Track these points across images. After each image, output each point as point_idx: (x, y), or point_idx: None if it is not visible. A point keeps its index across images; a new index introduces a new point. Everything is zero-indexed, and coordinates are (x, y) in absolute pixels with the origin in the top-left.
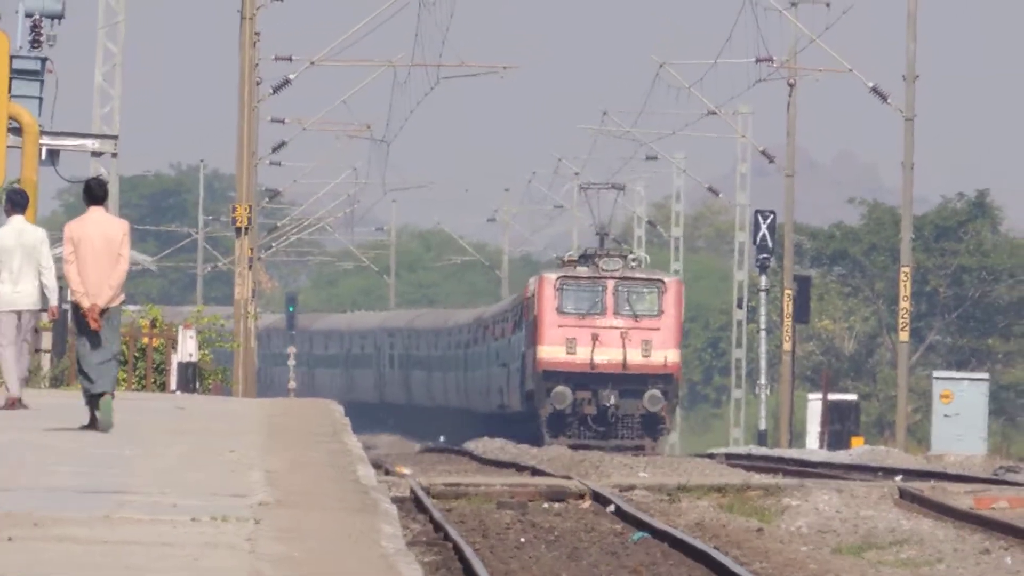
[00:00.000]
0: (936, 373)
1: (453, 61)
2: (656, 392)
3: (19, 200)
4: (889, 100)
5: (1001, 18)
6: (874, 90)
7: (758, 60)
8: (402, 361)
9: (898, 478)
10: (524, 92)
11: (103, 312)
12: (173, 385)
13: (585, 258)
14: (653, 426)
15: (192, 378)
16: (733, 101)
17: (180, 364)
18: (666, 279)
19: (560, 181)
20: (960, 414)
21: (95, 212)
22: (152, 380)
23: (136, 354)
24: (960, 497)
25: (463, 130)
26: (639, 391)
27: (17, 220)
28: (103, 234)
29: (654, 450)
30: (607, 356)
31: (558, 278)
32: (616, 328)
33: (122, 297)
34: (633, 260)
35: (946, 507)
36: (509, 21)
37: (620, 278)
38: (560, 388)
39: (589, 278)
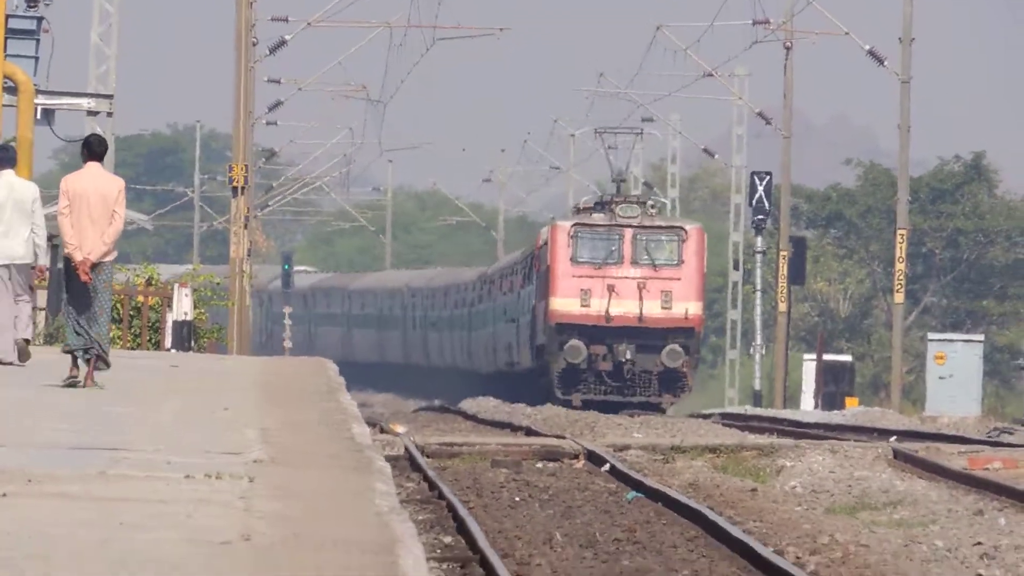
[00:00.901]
0: (931, 335)
1: (449, 23)
2: (676, 347)
3: (8, 156)
4: (885, 63)
5: None
6: (870, 53)
7: (755, 23)
8: (407, 321)
9: (892, 439)
10: (520, 54)
11: (94, 267)
12: (168, 343)
13: (601, 205)
14: (672, 383)
15: (187, 336)
16: (730, 63)
17: (175, 323)
18: (687, 226)
19: (556, 142)
20: (954, 375)
21: (92, 167)
22: (147, 338)
23: (131, 312)
24: (954, 458)
25: (459, 91)
26: (658, 346)
27: (7, 174)
28: (98, 190)
29: (672, 407)
30: (624, 308)
31: (572, 225)
32: (634, 278)
33: (115, 253)
34: (652, 207)
35: (940, 468)
36: None
37: (638, 226)
38: (574, 342)
39: (605, 226)
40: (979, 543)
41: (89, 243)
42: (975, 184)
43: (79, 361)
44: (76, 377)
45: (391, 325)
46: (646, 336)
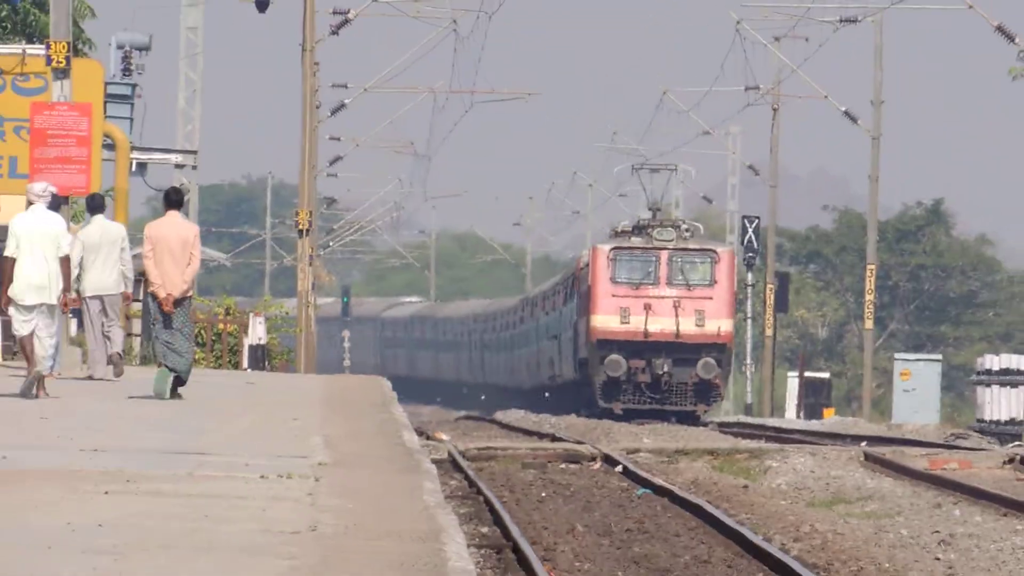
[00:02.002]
0: (897, 355)
1: (485, 87)
2: (710, 360)
3: (99, 203)
4: (859, 122)
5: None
6: (846, 114)
7: (747, 88)
8: (471, 344)
9: (863, 444)
10: (546, 114)
11: (177, 301)
12: (245, 364)
13: (638, 229)
14: (706, 393)
15: (261, 358)
16: (725, 123)
17: (251, 346)
18: (719, 249)
19: (576, 191)
20: (917, 389)
21: (172, 215)
22: (227, 360)
23: (213, 338)
24: (917, 460)
25: (493, 146)
26: (692, 359)
27: (99, 219)
28: (178, 235)
29: (707, 414)
30: (660, 325)
31: (611, 249)
32: (669, 298)
33: (193, 289)
34: (687, 231)
35: (904, 468)
36: (532, 53)
37: (673, 249)
38: (614, 356)
39: (642, 248)
40: (937, 531)
41: (171, 281)
42: (935, 226)
43: (162, 369)
44: (165, 372)
45: (461, 348)
46: (682, 351)
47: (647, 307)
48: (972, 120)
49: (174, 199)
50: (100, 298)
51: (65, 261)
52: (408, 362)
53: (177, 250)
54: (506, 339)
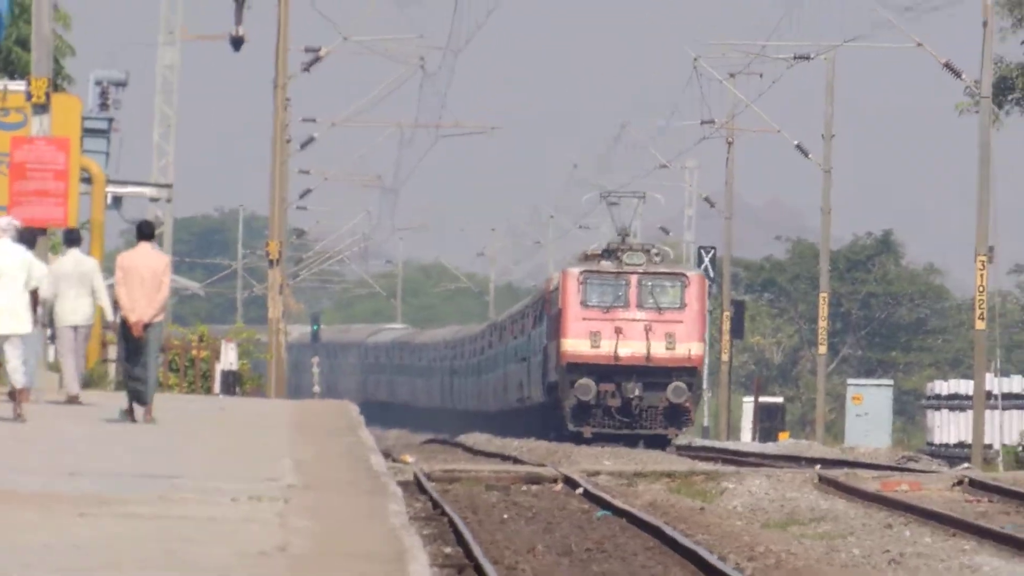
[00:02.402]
0: (849, 380)
1: (450, 122)
2: (680, 384)
3: (75, 237)
4: (810, 156)
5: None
6: (798, 147)
7: (702, 122)
8: (441, 370)
9: (817, 466)
10: (508, 148)
11: (146, 326)
12: (217, 389)
13: (608, 252)
14: (677, 417)
15: (233, 383)
16: (682, 156)
17: (223, 371)
18: (689, 273)
19: (537, 222)
20: (869, 413)
21: (143, 246)
22: (199, 385)
23: (186, 363)
24: (869, 482)
25: (458, 180)
26: (663, 383)
27: (74, 252)
28: (149, 265)
29: (677, 438)
30: (631, 349)
31: (581, 272)
32: (640, 321)
33: (162, 316)
34: (656, 255)
35: (857, 490)
36: (496, 89)
37: (643, 272)
38: (584, 380)
39: (613, 272)
40: (888, 551)
41: (141, 307)
42: (884, 256)
43: (133, 404)
44: (132, 416)
45: (429, 374)
46: (652, 374)
47: (617, 330)
48: (921, 154)
49: (146, 231)
50: (74, 328)
51: (35, 293)
52: (387, 387)
53: (148, 279)
54: (474, 364)
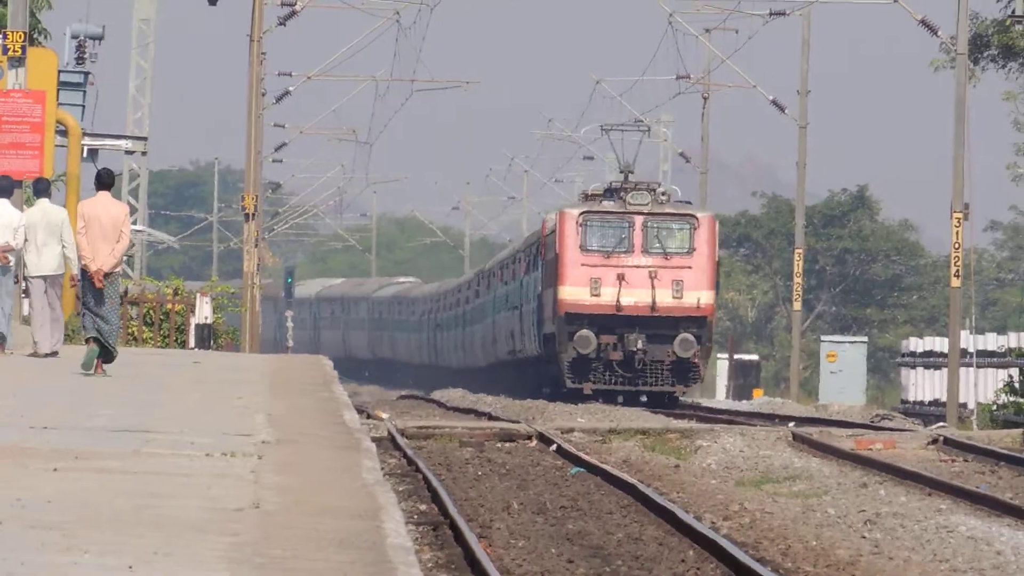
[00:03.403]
0: (823, 337)
1: (425, 76)
2: (688, 336)
3: (44, 187)
4: (786, 111)
5: (881, 45)
6: (774, 103)
7: (678, 77)
8: (423, 325)
9: (791, 424)
10: (483, 101)
11: (106, 275)
12: (191, 343)
13: (610, 192)
14: (684, 373)
15: (207, 337)
16: (657, 110)
17: (197, 325)
18: (699, 214)
19: (513, 176)
20: (843, 371)
21: (103, 195)
22: (174, 339)
23: (161, 317)
24: (843, 440)
25: (433, 133)
26: (669, 335)
27: (43, 202)
28: (109, 214)
29: (684, 396)
30: (634, 297)
31: (581, 213)
32: (644, 267)
33: (122, 265)
34: (663, 194)
35: (831, 448)
36: (470, 43)
37: (649, 213)
38: (584, 332)
39: (615, 213)
40: (863, 510)
41: (101, 257)
42: (860, 212)
43: (92, 347)
44: (94, 350)
45: (410, 328)
46: (657, 325)
47: (620, 277)
48: (895, 110)
49: (106, 180)
50: (43, 278)
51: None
52: (368, 343)
53: (108, 228)
54: (459, 315)
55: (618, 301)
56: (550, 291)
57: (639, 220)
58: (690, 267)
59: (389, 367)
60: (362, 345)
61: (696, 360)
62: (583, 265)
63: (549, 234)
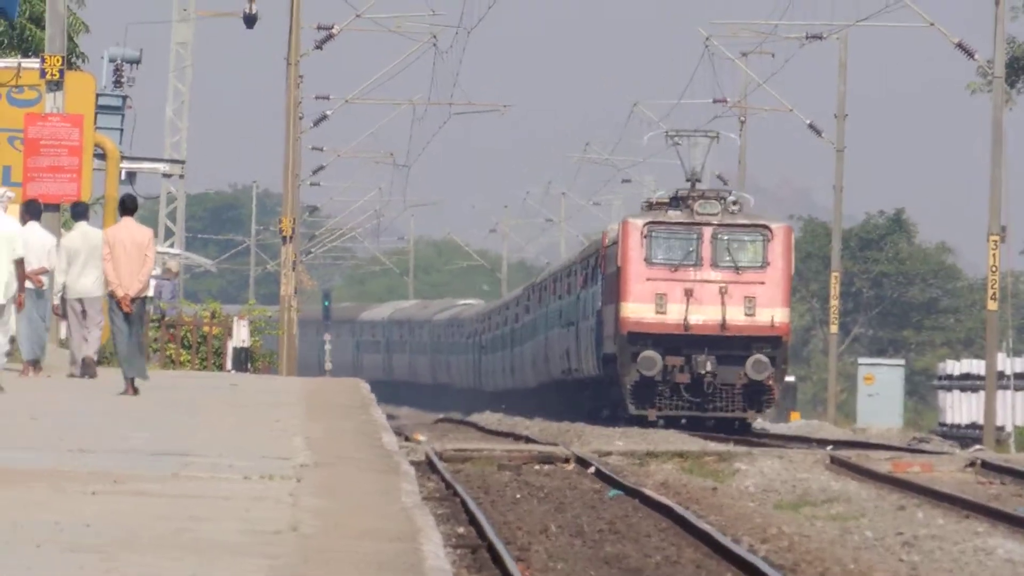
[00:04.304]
0: (860, 359)
1: (462, 100)
2: (761, 357)
3: (82, 210)
4: (823, 135)
5: (918, 68)
6: (811, 126)
7: (715, 101)
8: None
9: (829, 447)
10: (520, 125)
11: (133, 300)
12: (229, 366)
13: (677, 200)
14: (757, 397)
15: (245, 360)
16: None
17: (235, 348)
18: (773, 225)
19: (550, 200)
20: (880, 393)
21: (127, 221)
22: (212, 362)
23: (199, 340)
24: (880, 463)
25: (470, 156)
26: (741, 356)
27: (82, 225)
28: (133, 238)
29: (756, 422)
30: (703, 315)
31: (646, 224)
32: (714, 282)
33: (149, 289)
34: (734, 203)
35: (869, 471)
36: (508, 67)
37: (719, 224)
38: (648, 352)
39: (682, 224)
40: (901, 533)
41: (127, 281)
42: (896, 235)
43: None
44: (129, 392)
45: (452, 350)
46: (728, 346)
47: (687, 293)
48: (932, 133)
49: (129, 206)
50: (80, 300)
51: (20, 263)
52: (408, 367)
53: (133, 252)
54: (506, 334)
55: (685, 319)
56: (611, 307)
57: (708, 231)
58: (763, 282)
59: (432, 391)
60: (418, 368)
61: (770, 383)
62: (648, 280)
63: (610, 245)
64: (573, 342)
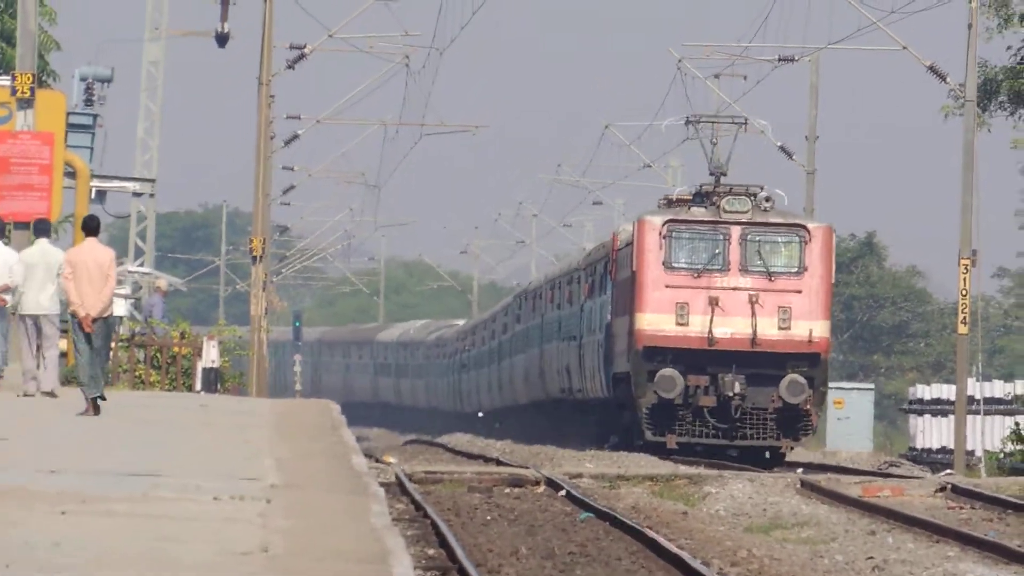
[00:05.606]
0: (831, 384)
1: (434, 120)
2: (798, 377)
3: (43, 228)
4: (794, 157)
5: (890, 92)
6: (782, 148)
7: (687, 122)
8: (407, 370)
9: (799, 470)
10: (491, 146)
11: (95, 320)
12: (198, 386)
13: (701, 197)
14: (792, 423)
15: (214, 381)
16: (665, 156)
17: (204, 369)
18: (811, 225)
19: (521, 221)
20: (851, 417)
21: (90, 241)
22: (181, 382)
23: (168, 360)
24: (851, 487)
25: (441, 177)
26: (774, 376)
27: (42, 242)
28: (95, 259)
29: (792, 450)
30: (731, 328)
31: (665, 223)
32: (743, 290)
33: (111, 309)
34: (766, 200)
35: (839, 495)
36: (479, 88)
37: (749, 223)
38: (667, 371)
39: (707, 222)
40: (871, 557)
41: (90, 301)
42: (867, 258)
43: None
44: (90, 412)
45: (429, 372)
46: (760, 364)
47: (713, 302)
48: (904, 156)
49: (91, 226)
50: (35, 317)
51: None
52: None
53: (95, 273)
54: (492, 349)
55: (710, 332)
56: (624, 319)
57: (736, 231)
58: (800, 291)
59: (407, 413)
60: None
61: (807, 408)
62: (667, 287)
63: (623, 248)
64: (575, 358)
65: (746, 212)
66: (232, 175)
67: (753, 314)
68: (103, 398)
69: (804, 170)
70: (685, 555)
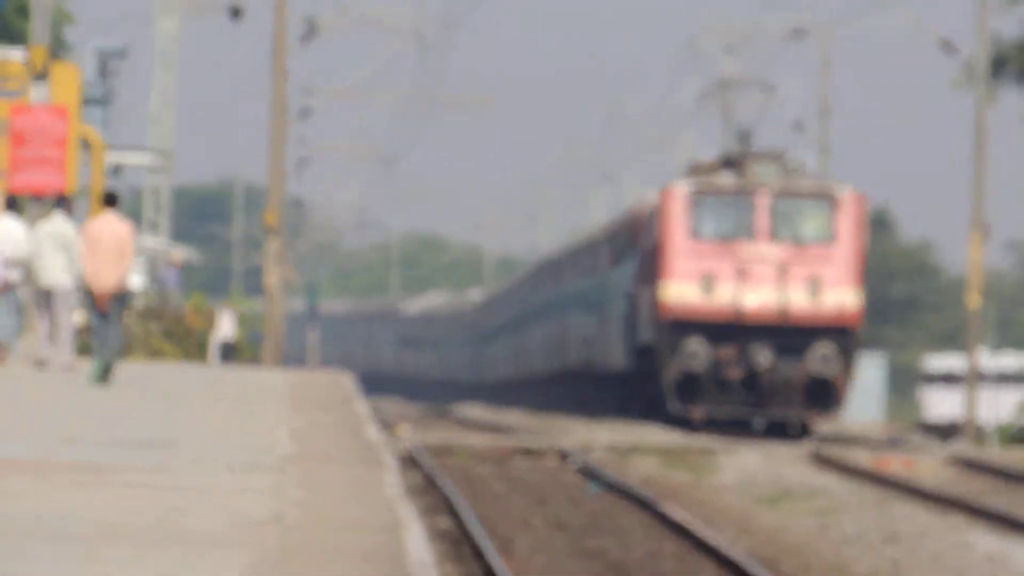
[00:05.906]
0: None
1: (447, 94)
2: (827, 349)
3: (61, 202)
4: (806, 131)
5: (902, 65)
6: (795, 123)
7: (702, 96)
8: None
9: (810, 436)
10: (504, 121)
11: (110, 295)
12: (212, 358)
13: (727, 163)
14: (821, 396)
15: (228, 353)
16: (677, 129)
17: (219, 341)
18: (842, 192)
19: (534, 196)
20: (862, 389)
21: (107, 215)
22: (196, 354)
23: (182, 332)
24: (862, 458)
25: (454, 151)
26: (803, 347)
27: (57, 216)
28: (113, 232)
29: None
30: (759, 298)
31: (693, 192)
32: (772, 259)
33: (127, 284)
34: (793, 167)
35: (850, 466)
36: (494, 62)
37: (778, 191)
38: (693, 342)
39: (734, 189)
40: (881, 528)
41: (104, 276)
42: (879, 232)
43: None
44: (101, 364)
45: (447, 344)
46: (788, 335)
47: (740, 272)
48: (916, 129)
49: (109, 199)
50: (47, 290)
51: None
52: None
53: (111, 247)
54: (510, 320)
55: (738, 303)
56: (648, 289)
57: (765, 198)
58: (830, 259)
59: (426, 385)
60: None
61: (838, 379)
62: (693, 256)
63: (648, 217)
64: (597, 329)
65: (774, 177)
66: (247, 149)
67: (782, 284)
68: (110, 369)
69: (817, 144)
70: (695, 526)
